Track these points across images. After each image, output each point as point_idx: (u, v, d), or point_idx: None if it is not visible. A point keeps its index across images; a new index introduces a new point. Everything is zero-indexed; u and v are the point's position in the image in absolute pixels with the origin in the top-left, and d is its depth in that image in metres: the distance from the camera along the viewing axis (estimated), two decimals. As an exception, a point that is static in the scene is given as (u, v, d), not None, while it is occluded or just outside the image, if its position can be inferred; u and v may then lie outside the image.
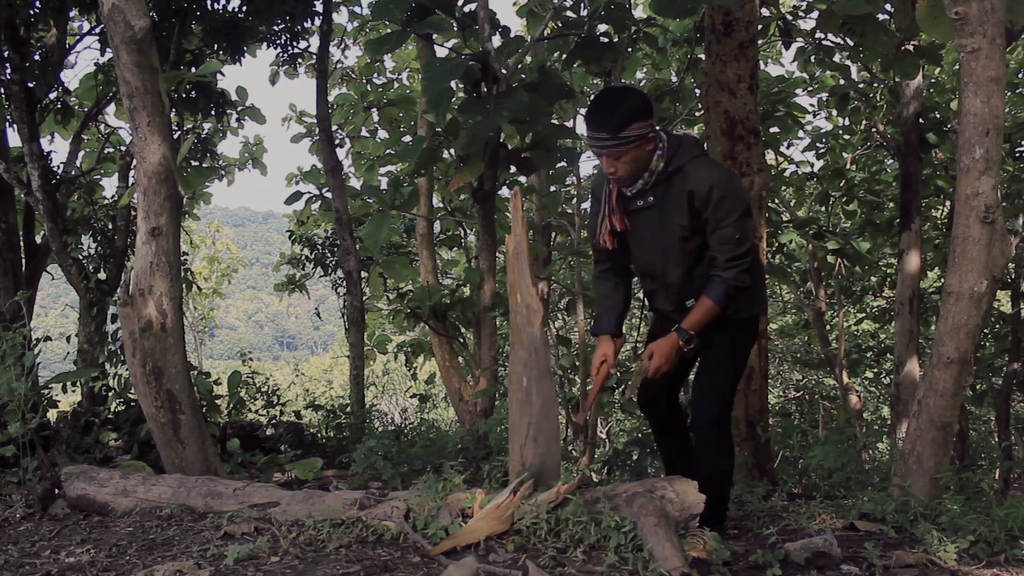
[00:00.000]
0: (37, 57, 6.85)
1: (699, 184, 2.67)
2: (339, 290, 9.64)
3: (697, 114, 7.80)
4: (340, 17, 21.14)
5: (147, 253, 3.59)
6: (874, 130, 8.42)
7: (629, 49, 6.41)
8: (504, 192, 7.65)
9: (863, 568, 2.56)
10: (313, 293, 11.25)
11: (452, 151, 5.72)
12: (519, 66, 5.38)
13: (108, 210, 8.61)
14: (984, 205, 2.95)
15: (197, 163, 9.20)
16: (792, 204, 10.79)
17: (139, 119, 3.58)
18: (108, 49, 6.84)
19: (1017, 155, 8.35)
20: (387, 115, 9.52)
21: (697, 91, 7.62)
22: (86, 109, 8.20)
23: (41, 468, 3.80)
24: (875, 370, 12.37)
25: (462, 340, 7.14)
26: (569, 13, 5.82)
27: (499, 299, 6.19)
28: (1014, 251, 8.21)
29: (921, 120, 7.33)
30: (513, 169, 5.65)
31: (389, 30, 5.05)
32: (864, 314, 11.82)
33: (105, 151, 9.08)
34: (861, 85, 8.27)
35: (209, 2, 6.79)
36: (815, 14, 6.33)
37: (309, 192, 8.52)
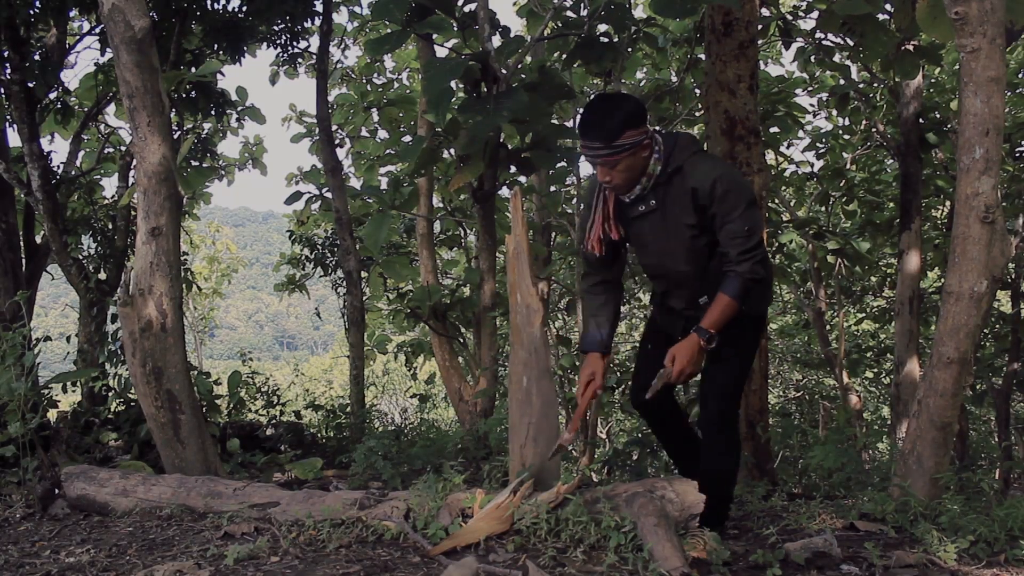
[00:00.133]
0: (37, 57, 6.85)
1: (701, 180, 2.63)
2: (339, 290, 9.65)
3: (697, 114, 7.80)
4: (340, 17, 21.15)
5: (147, 253, 3.59)
6: (874, 130, 8.42)
7: (629, 49, 6.41)
8: (504, 192, 7.65)
9: (863, 568, 2.56)
10: (313, 293, 11.25)
11: (452, 151, 5.72)
12: (519, 66, 5.38)
13: (108, 210, 8.61)
14: (984, 205, 2.95)
15: (197, 163, 9.20)
16: (792, 204, 10.79)
17: (139, 119, 3.58)
18: (108, 49, 6.84)
19: (1017, 155, 8.35)
20: (387, 115, 9.52)
21: (697, 91, 7.62)
22: (86, 109, 8.20)
23: (41, 468, 3.80)
24: (875, 370, 12.37)
25: (462, 340, 7.14)
26: (569, 13, 5.82)
27: (499, 299, 6.18)
28: (1014, 251, 8.21)
29: (921, 120, 7.33)
30: (513, 169, 5.65)
31: (389, 30, 5.05)
32: (864, 314, 11.82)
33: (105, 151, 9.08)
34: (861, 85, 8.27)
35: (209, 2, 6.79)
36: (815, 14, 6.33)
37: (309, 192, 8.53)
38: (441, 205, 9.62)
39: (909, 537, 2.90)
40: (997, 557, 2.67)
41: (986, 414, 11.85)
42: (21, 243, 7.25)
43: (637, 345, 8.10)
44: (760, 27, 5.85)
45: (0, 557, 2.70)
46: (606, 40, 5.69)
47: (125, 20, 3.48)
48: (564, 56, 6.05)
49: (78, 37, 7.83)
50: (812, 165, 9.96)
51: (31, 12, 6.30)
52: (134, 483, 3.29)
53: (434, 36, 5.88)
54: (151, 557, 2.62)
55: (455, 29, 5.39)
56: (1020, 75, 8.51)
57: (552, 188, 8.00)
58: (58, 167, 7.89)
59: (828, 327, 10.52)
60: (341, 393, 12.18)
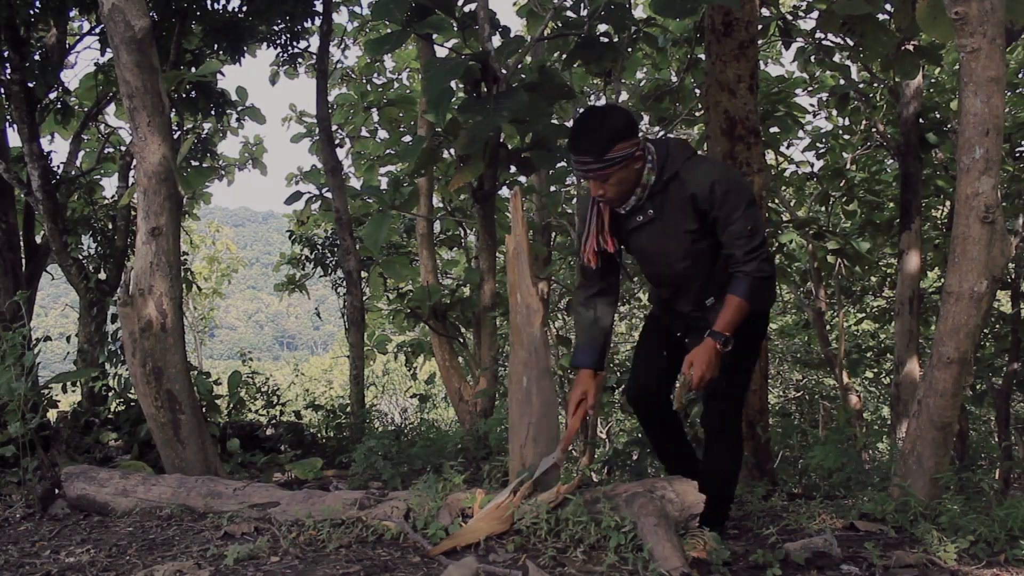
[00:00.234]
0: (37, 57, 6.85)
1: (699, 185, 2.61)
2: (339, 290, 9.65)
3: (697, 114, 7.80)
4: (340, 17, 21.18)
5: (147, 253, 3.59)
6: (874, 130, 8.42)
7: (629, 49, 6.41)
8: (504, 192, 7.65)
9: (863, 568, 2.56)
10: (313, 293, 11.25)
11: (452, 151, 5.73)
12: (519, 66, 5.38)
13: (108, 210, 8.61)
14: (984, 205, 2.95)
15: (197, 163, 9.20)
16: (792, 204, 10.79)
17: (139, 119, 3.58)
18: (108, 49, 6.84)
19: (1017, 155, 8.36)
20: (387, 115, 9.52)
21: (697, 91, 7.62)
22: (86, 109, 8.20)
23: (41, 468, 3.81)
24: (875, 370, 12.37)
25: (462, 340, 7.14)
26: (569, 13, 5.82)
27: (499, 299, 6.19)
28: (1014, 251, 8.22)
29: (921, 120, 7.33)
30: (513, 169, 5.66)
31: (389, 30, 5.05)
32: (864, 314, 11.82)
33: (105, 151, 9.08)
34: (861, 85, 8.27)
35: (209, 2, 6.79)
36: (815, 14, 6.33)
37: (309, 192, 8.53)
38: (441, 205, 9.62)
39: (909, 537, 2.90)
40: (997, 557, 2.67)
41: (986, 414, 11.85)
42: (21, 243, 7.25)
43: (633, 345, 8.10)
44: (760, 27, 5.85)
45: (0, 557, 2.70)
46: (606, 40, 5.69)
47: (125, 20, 3.48)
48: (564, 56, 6.05)
49: (78, 37, 7.83)
50: (812, 165, 9.96)
51: (31, 12, 6.30)
52: (134, 483, 3.29)
53: (434, 36, 5.88)
54: (151, 557, 2.62)
55: (455, 29, 5.39)
56: (1020, 75, 8.51)
57: (552, 188, 8.01)
58: (58, 167, 7.89)
59: (828, 327, 10.52)
60: (341, 393, 12.18)
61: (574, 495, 2.68)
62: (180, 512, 3.12)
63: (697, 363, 2.65)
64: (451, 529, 2.65)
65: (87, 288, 7.13)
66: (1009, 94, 8.07)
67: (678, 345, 2.95)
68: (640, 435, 5.39)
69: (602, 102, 10.94)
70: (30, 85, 6.47)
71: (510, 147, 5.58)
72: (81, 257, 8.01)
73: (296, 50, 8.02)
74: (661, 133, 8.75)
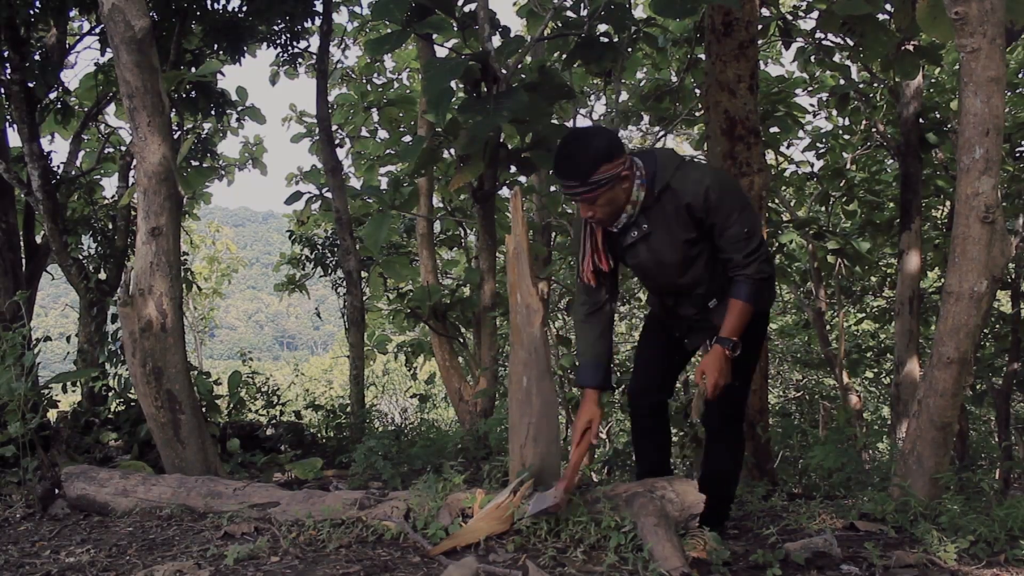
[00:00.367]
0: (37, 57, 6.85)
1: (694, 194, 2.58)
2: (339, 290, 9.65)
3: (697, 114, 7.80)
4: (340, 17, 21.17)
5: (147, 253, 3.59)
6: (874, 130, 8.42)
7: (629, 49, 6.41)
8: (504, 192, 7.65)
9: (863, 568, 2.56)
10: (313, 293, 11.25)
11: (452, 151, 5.73)
12: (519, 66, 5.38)
13: (108, 210, 8.61)
14: (984, 205, 2.95)
15: (197, 163, 9.20)
16: (792, 204, 10.79)
17: (139, 119, 3.58)
18: (108, 49, 6.84)
19: (1017, 155, 8.35)
20: (387, 115, 9.52)
21: (697, 91, 7.62)
22: (86, 109, 8.20)
23: (41, 468, 3.81)
24: (875, 370, 12.37)
25: (462, 340, 7.14)
26: (569, 13, 5.82)
27: (499, 299, 6.19)
28: (1014, 251, 8.22)
29: (921, 120, 7.33)
30: (513, 169, 5.66)
31: (389, 30, 5.05)
32: (864, 314, 11.82)
33: (105, 151, 9.08)
34: (861, 85, 8.27)
35: (209, 2, 6.79)
36: (815, 14, 6.33)
37: (309, 192, 8.52)
38: (441, 205, 9.62)
39: (909, 537, 2.90)
40: (997, 557, 2.67)
41: (986, 414, 11.85)
42: (21, 243, 7.25)
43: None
44: (760, 27, 5.85)
45: (0, 557, 2.70)
46: (606, 40, 5.70)
47: (125, 20, 3.48)
48: (564, 56, 6.05)
49: (78, 37, 7.83)
50: (812, 165, 9.96)
51: (31, 12, 6.30)
52: (134, 483, 3.29)
53: (434, 36, 5.88)
54: (151, 557, 2.62)
55: (455, 29, 5.39)
56: (1020, 75, 8.51)
57: (552, 188, 8.01)
58: (58, 167, 7.89)
59: (828, 327, 10.52)
60: (341, 393, 12.19)
61: (574, 495, 2.68)
62: (180, 512, 3.12)
63: (709, 372, 2.64)
64: (451, 529, 2.65)
65: (87, 288, 7.13)
66: (1009, 94, 8.07)
67: (678, 345, 2.95)
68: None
69: (602, 102, 10.94)
70: (30, 85, 6.47)
71: (510, 147, 5.58)
72: (81, 257, 8.01)
73: (296, 50, 8.02)
74: (661, 133, 8.76)
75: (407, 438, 5.76)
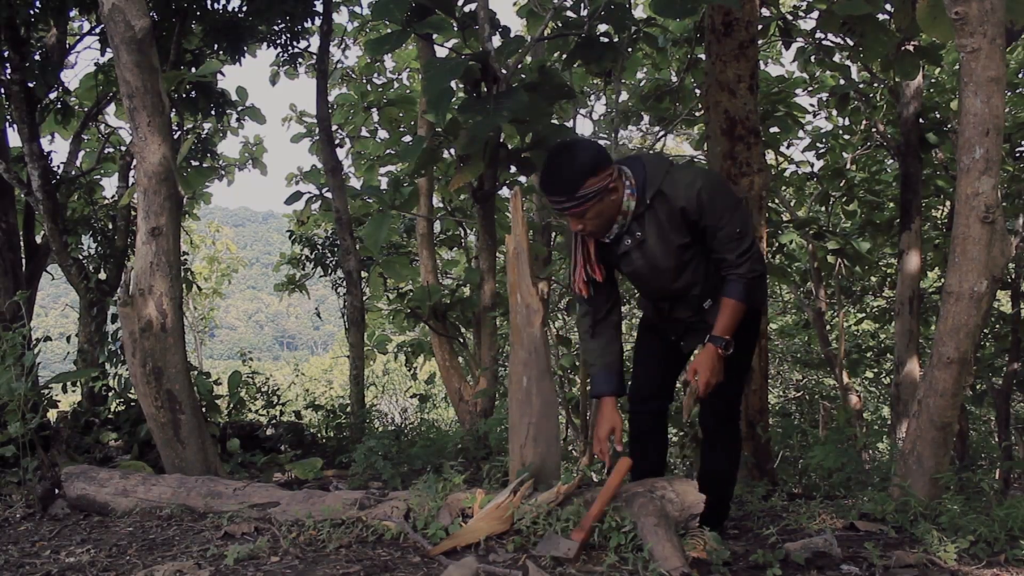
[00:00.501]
0: (37, 57, 6.85)
1: (687, 198, 2.57)
2: (339, 290, 9.65)
3: (697, 114, 7.80)
4: (340, 17, 21.18)
5: (147, 253, 3.59)
6: (874, 130, 8.42)
7: (629, 49, 6.41)
8: (504, 192, 7.65)
9: (863, 568, 2.56)
10: (313, 293, 11.25)
11: (452, 151, 5.73)
12: (519, 66, 5.38)
13: (108, 210, 8.61)
14: (984, 205, 2.95)
15: (197, 163, 9.20)
16: (792, 204, 10.79)
17: (139, 119, 3.58)
18: (108, 49, 6.84)
19: (1017, 155, 8.36)
20: (387, 115, 9.52)
21: (697, 91, 7.62)
22: (86, 109, 8.20)
23: (41, 468, 3.80)
24: (875, 370, 12.37)
25: (462, 340, 7.15)
26: (569, 13, 5.82)
27: (499, 299, 6.19)
28: (1014, 251, 8.22)
29: (921, 120, 7.33)
30: (513, 169, 5.66)
31: (389, 30, 5.05)
32: (864, 314, 11.82)
33: (105, 151, 9.08)
34: (861, 85, 8.27)
35: (209, 2, 6.79)
36: (815, 14, 6.33)
37: (309, 192, 8.52)
38: (441, 205, 9.62)
39: (909, 537, 2.90)
40: (997, 557, 2.67)
41: (986, 414, 11.84)
42: (21, 243, 7.25)
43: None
44: (760, 27, 5.85)
45: (0, 557, 2.70)
46: (606, 40, 5.69)
47: (125, 20, 3.48)
48: (564, 56, 6.05)
49: (78, 37, 7.83)
50: (812, 165, 9.96)
51: (31, 12, 6.30)
52: (134, 483, 3.29)
53: (434, 36, 5.88)
54: (151, 557, 2.62)
55: (455, 29, 5.39)
56: (1020, 75, 8.51)
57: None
58: (58, 167, 7.89)
59: (828, 327, 10.52)
60: (341, 393, 12.18)
61: (574, 495, 2.68)
62: (180, 512, 3.12)
63: (702, 370, 2.65)
64: (451, 529, 2.65)
65: (87, 288, 7.13)
66: (1009, 94, 8.06)
67: (674, 348, 2.94)
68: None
69: (602, 102, 10.94)
70: (30, 85, 6.47)
71: (510, 147, 5.58)
72: (81, 257, 8.01)
73: (296, 50, 8.02)
74: (661, 133, 8.76)
75: (407, 438, 5.76)
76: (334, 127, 9.26)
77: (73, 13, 7.56)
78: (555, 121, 5.88)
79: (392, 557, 2.52)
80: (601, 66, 5.72)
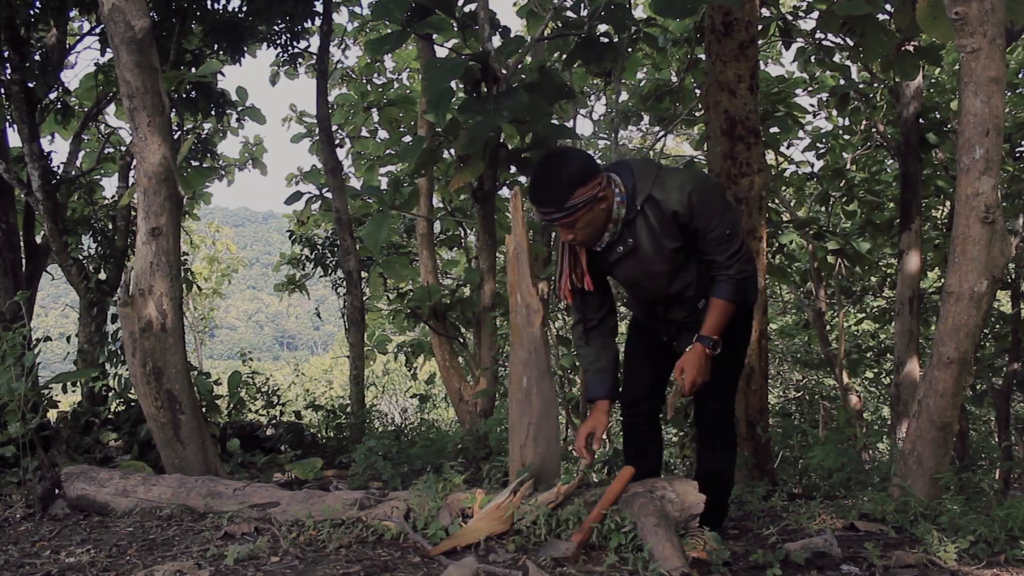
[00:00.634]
0: (37, 57, 6.85)
1: (678, 202, 2.55)
2: (339, 290, 9.65)
3: (697, 114, 7.81)
4: (340, 17, 21.18)
5: (147, 253, 3.59)
6: (874, 130, 8.42)
7: (629, 49, 6.42)
8: (504, 192, 7.66)
9: (863, 568, 2.56)
10: (313, 293, 11.25)
11: (452, 151, 5.73)
12: (519, 66, 5.38)
13: (108, 210, 8.61)
14: (984, 205, 2.95)
15: (197, 163, 9.20)
16: (792, 204, 10.79)
17: (139, 119, 3.58)
18: (108, 49, 6.84)
19: (1017, 155, 8.36)
20: (387, 115, 9.52)
21: (697, 91, 7.62)
22: (86, 109, 8.20)
23: (41, 468, 3.80)
24: (875, 370, 12.37)
25: (462, 340, 7.15)
26: (569, 13, 5.82)
27: (499, 299, 6.19)
28: (1014, 251, 8.22)
29: (921, 120, 7.33)
30: (513, 169, 5.66)
31: (389, 30, 5.06)
32: (864, 314, 11.82)
33: (105, 151, 9.08)
34: (861, 85, 8.27)
35: (209, 2, 6.79)
36: (815, 14, 6.33)
37: (309, 192, 8.53)
38: (441, 205, 9.63)
39: (909, 537, 2.90)
40: (997, 557, 2.67)
41: (986, 414, 11.84)
42: (21, 243, 7.25)
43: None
44: (760, 27, 5.85)
45: (0, 557, 2.70)
46: (606, 40, 5.70)
47: (125, 20, 3.48)
48: (564, 56, 6.05)
49: (78, 37, 7.83)
50: (812, 165, 9.96)
51: (31, 12, 6.30)
52: (134, 483, 3.29)
53: (434, 36, 5.88)
54: (151, 557, 2.62)
55: (455, 29, 5.40)
56: (1020, 75, 8.51)
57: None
58: (58, 167, 7.89)
59: (828, 327, 10.52)
60: (341, 393, 12.18)
61: (574, 495, 2.69)
62: (180, 512, 3.12)
63: (688, 369, 2.65)
64: (451, 529, 2.65)
65: (87, 288, 7.13)
66: (1009, 94, 8.07)
67: (667, 349, 2.93)
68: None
69: (602, 102, 10.94)
70: (30, 85, 6.47)
71: (510, 147, 5.59)
72: (81, 257, 8.01)
73: (296, 50, 8.02)
74: (661, 133, 8.76)
75: (407, 438, 5.75)
76: (334, 127, 9.26)
77: (73, 13, 7.56)
78: (555, 121, 5.88)
79: (392, 557, 2.52)
80: (601, 66, 5.72)
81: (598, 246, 2.68)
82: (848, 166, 9.35)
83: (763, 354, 4.99)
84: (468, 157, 5.24)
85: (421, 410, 7.97)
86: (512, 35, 5.74)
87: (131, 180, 8.11)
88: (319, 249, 9.82)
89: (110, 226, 8.42)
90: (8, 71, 6.31)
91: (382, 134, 10.41)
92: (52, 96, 7.27)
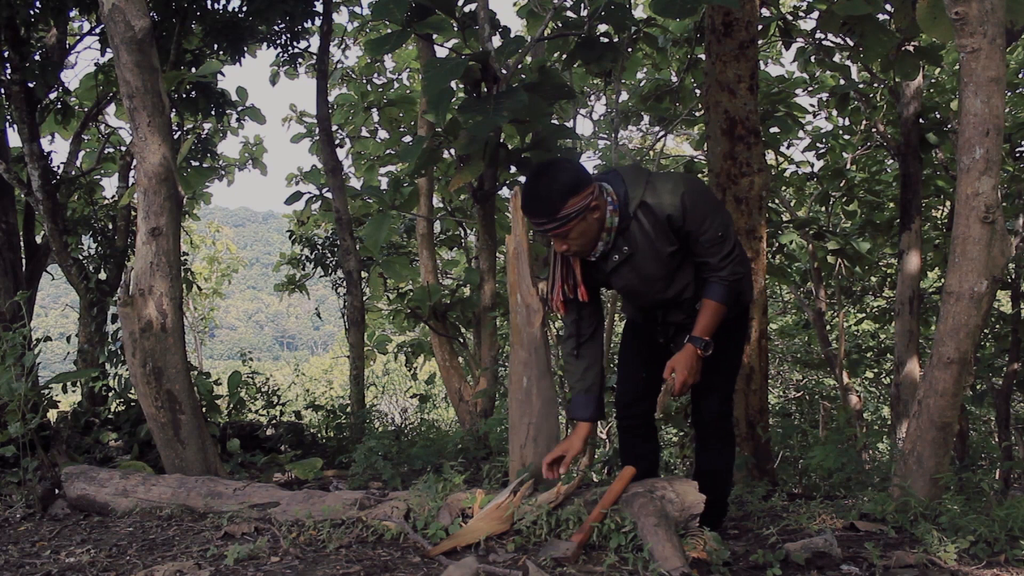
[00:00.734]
0: (37, 57, 6.85)
1: (671, 206, 2.55)
2: (339, 290, 9.66)
3: (697, 114, 7.81)
4: (340, 17, 21.17)
5: (147, 253, 3.59)
6: (874, 130, 8.42)
7: (629, 49, 6.42)
8: (504, 192, 7.66)
9: (863, 568, 2.56)
10: (313, 293, 11.25)
11: (452, 151, 5.73)
12: (519, 66, 5.38)
13: (108, 210, 8.61)
14: (984, 205, 2.95)
15: (197, 163, 9.20)
16: (792, 204, 10.79)
17: (139, 119, 3.58)
18: (108, 49, 6.84)
19: (1017, 155, 8.36)
20: (387, 115, 9.53)
21: (697, 91, 7.62)
22: (86, 109, 8.20)
23: (41, 468, 3.80)
24: (875, 370, 12.36)
25: (462, 340, 7.15)
26: (569, 13, 5.83)
27: (499, 299, 6.19)
28: (1014, 251, 8.22)
29: (921, 120, 7.33)
30: (513, 169, 5.66)
31: (389, 30, 5.06)
32: (864, 314, 11.82)
33: (105, 151, 9.09)
34: (861, 85, 8.27)
35: (209, 2, 6.79)
36: (815, 14, 6.33)
37: (309, 192, 8.53)
38: (441, 205, 9.63)
39: (909, 537, 2.90)
40: (997, 557, 2.67)
41: (986, 414, 11.84)
42: (21, 243, 7.25)
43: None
44: (760, 27, 5.86)
45: (0, 557, 2.70)
46: (606, 40, 5.70)
47: (125, 20, 3.48)
48: (564, 56, 6.05)
49: (78, 37, 7.83)
50: (812, 165, 9.96)
51: (31, 12, 6.30)
52: (134, 483, 3.29)
53: (434, 36, 5.88)
54: (151, 557, 2.62)
55: (455, 29, 5.40)
56: (1020, 75, 8.51)
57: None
58: (58, 167, 7.89)
59: (828, 327, 10.52)
60: (341, 393, 12.19)
61: (574, 495, 2.69)
62: (180, 512, 3.12)
63: (679, 369, 2.64)
64: (451, 529, 2.65)
65: (87, 288, 7.13)
66: (1009, 94, 8.07)
67: (663, 350, 2.92)
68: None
69: (602, 102, 10.94)
70: (30, 85, 6.47)
71: (510, 147, 5.59)
72: (81, 257, 8.01)
73: (296, 50, 8.02)
74: (661, 133, 8.76)
75: (407, 438, 5.76)
76: (334, 127, 9.27)
77: (73, 13, 7.56)
78: (555, 121, 5.88)
79: (392, 557, 2.52)
80: (601, 66, 5.73)
81: (592, 256, 2.67)
82: (848, 166, 9.35)
83: (763, 354, 4.99)
84: (468, 157, 5.24)
85: (421, 410, 7.97)
86: (512, 35, 5.74)
87: (131, 180, 8.11)
88: (319, 249, 9.82)
89: (110, 226, 8.42)
90: (8, 71, 6.31)
91: (382, 134, 10.41)
92: (52, 96, 7.28)
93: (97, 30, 7.16)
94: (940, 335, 3.10)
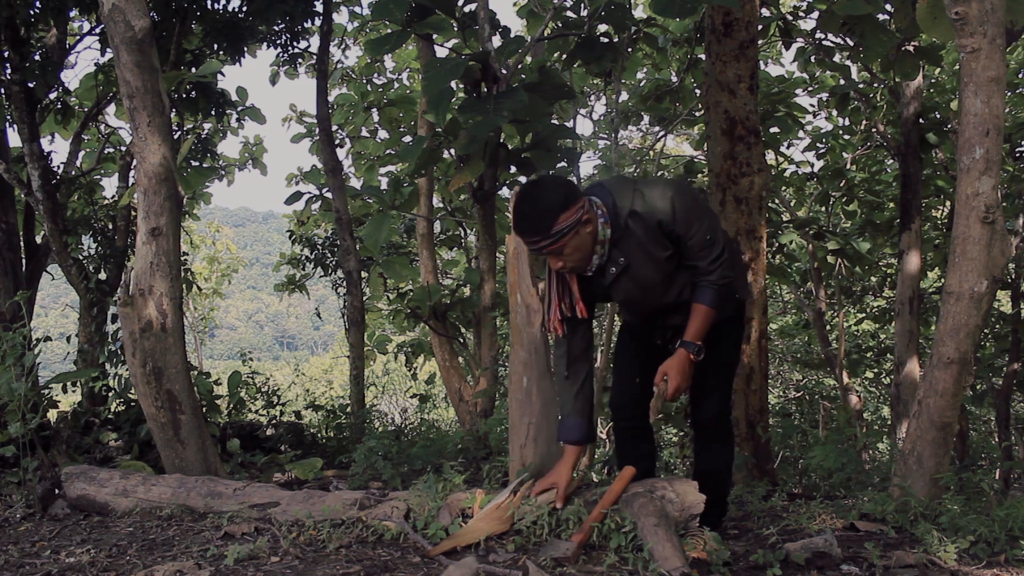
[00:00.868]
0: (37, 57, 6.85)
1: (662, 212, 2.55)
2: (339, 290, 9.66)
3: (697, 114, 7.81)
4: (340, 17, 21.17)
5: (147, 253, 3.59)
6: (874, 130, 8.42)
7: (629, 49, 6.42)
8: (504, 192, 7.66)
9: (863, 568, 2.56)
10: (313, 293, 11.25)
11: (452, 151, 5.73)
12: (519, 66, 5.38)
13: (108, 210, 8.61)
14: (984, 205, 2.95)
15: (197, 163, 9.20)
16: (792, 204, 10.79)
17: (139, 119, 3.58)
18: (108, 49, 6.85)
19: (1017, 155, 8.36)
20: (387, 115, 9.52)
21: (697, 91, 7.62)
22: (86, 109, 8.20)
23: (41, 468, 3.80)
24: (875, 370, 12.37)
25: (462, 340, 7.15)
26: (569, 13, 5.83)
27: (499, 299, 6.19)
28: (1014, 251, 8.22)
29: (921, 120, 7.33)
30: (513, 169, 5.66)
31: (389, 30, 5.06)
32: (864, 314, 11.82)
33: (105, 151, 9.09)
34: (861, 85, 8.27)
35: (209, 2, 6.79)
36: (815, 14, 6.33)
37: (309, 192, 8.53)
38: (441, 205, 9.63)
39: (909, 537, 2.90)
40: (997, 557, 2.67)
41: (986, 414, 11.85)
42: (21, 243, 7.25)
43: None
44: (760, 27, 5.85)
45: (0, 557, 2.70)
46: (606, 40, 5.70)
47: (125, 20, 3.48)
48: (564, 56, 6.05)
49: (78, 37, 7.83)
50: (812, 165, 9.96)
51: (31, 12, 6.30)
52: (134, 483, 3.29)
53: (434, 36, 5.88)
54: (151, 557, 2.62)
55: (455, 29, 5.40)
56: (1020, 75, 8.51)
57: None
58: (58, 167, 7.89)
59: (828, 327, 10.52)
60: (341, 393, 12.19)
61: (574, 495, 2.68)
62: (180, 512, 3.12)
63: (672, 374, 2.64)
64: (451, 529, 2.65)
65: (87, 288, 7.13)
66: (1009, 94, 8.07)
67: (660, 352, 2.91)
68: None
69: (602, 102, 10.94)
70: (30, 85, 6.47)
71: (510, 147, 5.59)
72: (81, 257, 8.01)
73: (296, 50, 8.02)
74: (661, 133, 8.76)
75: (407, 438, 5.75)
76: (334, 127, 9.27)
77: (73, 13, 7.57)
78: (555, 121, 5.88)
79: (392, 557, 2.52)
80: (601, 66, 5.73)
81: (588, 270, 2.66)
82: (848, 166, 9.35)
83: (763, 354, 4.99)
84: (468, 157, 5.24)
85: (421, 410, 7.97)
86: (512, 35, 5.74)
87: (131, 180, 8.11)
88: (319, 249, 9.82)
89: (110, 226, 8.42)
90: (8, 71, 6.31)
91: (382, 134, 10.41)
92: (52, 96, 7.28)
93: (97, 30, 7.16)
94: (940, 335, 3.10)
